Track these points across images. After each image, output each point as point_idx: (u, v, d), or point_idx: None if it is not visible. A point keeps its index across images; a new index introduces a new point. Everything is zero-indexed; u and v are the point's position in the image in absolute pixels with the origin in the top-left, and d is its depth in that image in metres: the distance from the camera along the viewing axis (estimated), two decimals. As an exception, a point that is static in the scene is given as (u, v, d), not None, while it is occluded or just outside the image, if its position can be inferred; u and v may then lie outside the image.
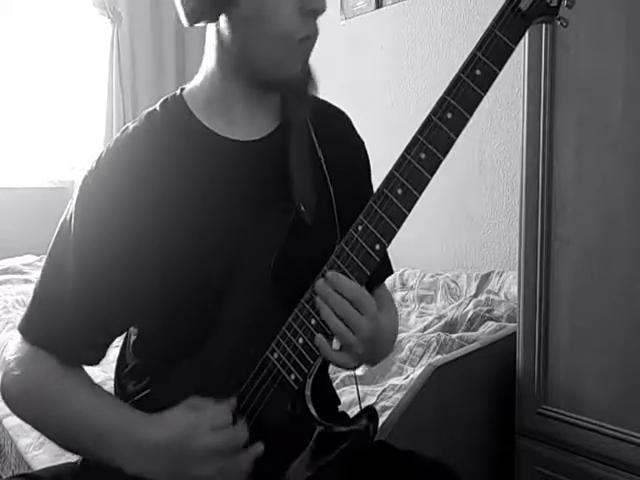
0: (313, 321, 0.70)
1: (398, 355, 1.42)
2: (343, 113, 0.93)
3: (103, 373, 1.30)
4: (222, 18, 0.73)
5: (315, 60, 0.78)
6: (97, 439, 0.69)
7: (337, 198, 0.82)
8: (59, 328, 0.74)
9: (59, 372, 0.74)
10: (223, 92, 0.79)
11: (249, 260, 0.74)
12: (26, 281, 2.45)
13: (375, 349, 0.77)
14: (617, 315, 1.13)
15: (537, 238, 1.22)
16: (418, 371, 1.27)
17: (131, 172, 0.75)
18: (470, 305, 1.70)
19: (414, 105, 2.44)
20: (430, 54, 2.37)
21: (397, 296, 2.03)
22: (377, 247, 0.69)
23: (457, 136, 0.69)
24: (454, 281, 2.05)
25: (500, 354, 1.36)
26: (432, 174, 0.69)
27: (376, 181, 0.80)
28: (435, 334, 1.48)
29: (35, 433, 1.27)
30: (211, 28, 0.76)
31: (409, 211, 0.69)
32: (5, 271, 2.63)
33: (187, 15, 0.73)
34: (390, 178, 0.70)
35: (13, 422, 1.34)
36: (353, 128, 0.93)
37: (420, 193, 0.69)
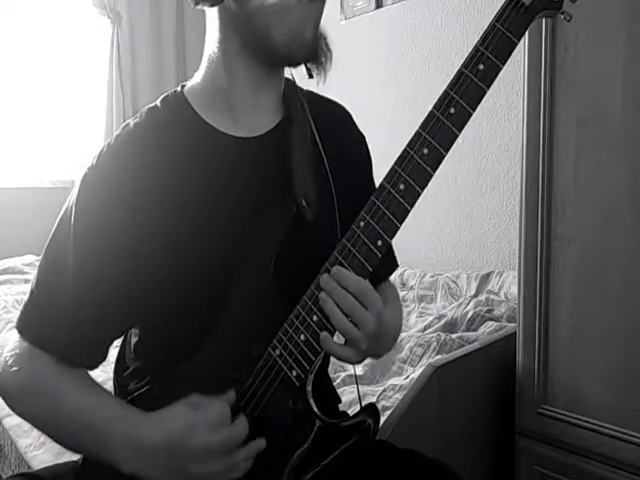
0: (315, 317, 0.70)
1: (398, 355, 1.42)
2: (344, 108, 0.92)
3: (103, 373, 1.30)
4: None
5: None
6: (96, 438, 0.69)
7: (338, 194, 0.82)
8: (57, 329, 0.73)
9: (57, 370, 0.73)
10: (226, 86, 0.78)
11: (250, 257, 0.74)
12: (26, 281, 2.45)
13: (379, 343, 0.77)
14: (617, 315, 1.13)
15: (537, 238, 1.22)
16: (418, 371, 1.27)
17: (132, 169, 0.74)
18: (470, 305, 1.70)
19: (414, 105, 2.44)
20: (430, 54, 2.37)
21: (397, 296, 2.02)
22: (379, 243, 0.69)
23: (460, 131, 0.68)
24: (454, 281, 2.05)
25: (500, 354, 1.36)
26: (435, 170, 0.68)
27: (377, 180, 0.80)
28: (435, 334, 1.48)
29: (35, 433, 1.27)
30: (213, 13, 0.75)
31: (411, 207, 0.69)
32: (5, 271, 2.63)
33: None
34: (392, 173, 0.69)
35: (13, 422, 1.34)
36: (354, 123, 0.93)
37: (422, 189, 0.69)
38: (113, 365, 0.86)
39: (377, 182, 0.75)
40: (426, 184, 0.69)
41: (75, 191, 0.76)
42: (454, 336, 1.47)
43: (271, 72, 0.79)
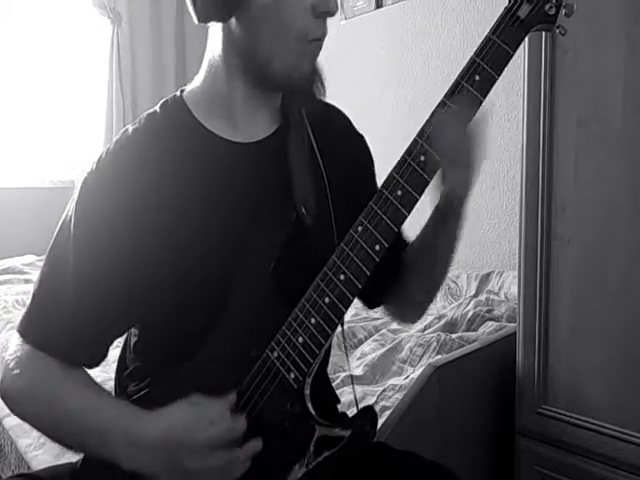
0: (313, 320, 0.70)
1: (398, 355, 1.43)
2: (342, 112, 0.93)
3: (103, 373, 1.30)
4: (233, 18, 0.72)
5: (315, 60, 0.79)
6: (96, 437, 0.69)
7: (339, 198, 0.82)
8: (58, 331, 0.74)
9: (58, 371, 0.74)
10: (226, 93, 0.78)
11: (250, 259, 0.74)
12: (26, 281, 2.46)
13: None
14: (617, 315, 1.13)
15: (537, 238, 1.22)
16: (418, 371, 1.27)
17: (131, 173, 0.75)
18: (470, 305, 1.70)
19: (414, 105, 2.44)
20: (430, 54, 2.37)
21: (397, 296, 2.02)
22: (377, 248, 0.69)
23: None
24: (454, 281, 2.05)
25: (500, 354, 1.36)
26: (432, 177, 0.70)
27: (379, 180, 0.80)
28: (435, 334, 1.48)
29: (35, 433, 1.27)
30: (217, 29, 0.76)
31: (409, 212, 0.70)
32: (5, 271, 2.63)
33: (197, 12, 0.73)
34: (390, 180, 0.70)
35: (13, 422, 1.34)
36: (351, 124, 0.93)
37: (420, 195, 0.70)
38: (114, 365, 0.87)
39: (379, 182, 0.76)
40: (423, 190, 0.70)
41: (75, 196, 0.77)
42: (454, 336, 1.47)
43: (274, 91, 0.80)
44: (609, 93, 1.11)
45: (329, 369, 0.92)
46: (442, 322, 1.62)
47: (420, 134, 0.70)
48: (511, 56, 0.69)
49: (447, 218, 0.81)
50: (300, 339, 0.70)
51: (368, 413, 0.75)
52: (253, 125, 0.80)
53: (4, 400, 0.76)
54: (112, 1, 3.26)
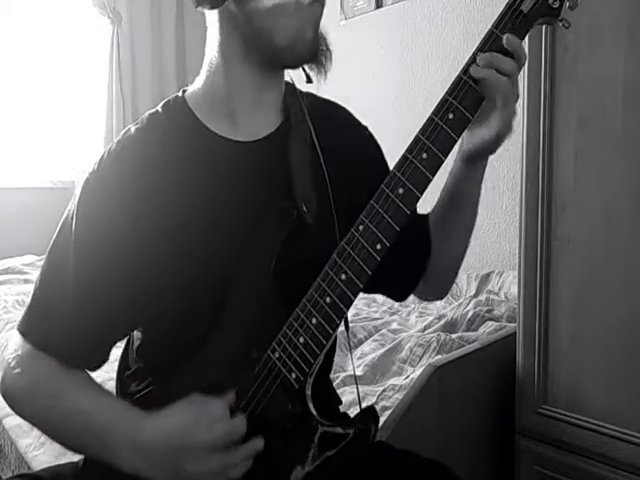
0: (314, 320, 0.70)
1: (398, 355, 1.42)
2: (344, 109, 0.92)
3: (104, 373, 1.29)
4: (228, 1, 0.71)
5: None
6: (96, 439, 0.69)
7: (341, 196, 0.82)
8: (58, 335, 0.73)
9: (58, 372, 0.73)
10: (225, 90, 0.77)
11: (251, 259, 0.74)
12: (26, 281, 2.45)
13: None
14: (617, 315, 1.13)
15: (537, 238, 1.22)
16: (418, 371, 1.27)
17: (133, 174, 0.74)
18: (470, 305, 1.70)
19: (414, 105, 2.43)
20: (430, 54, 2.37)
21: (397, 296, 2.02)
22: (378, 247, 0.69)
23: (459, 137, 0.69)
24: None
25: (500, 354, 1.36)
26: (434, 174, 0.69)
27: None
28: (435, 334, 1.48)
29: (35, 433, 1.27)
30: (214, 19, 0.75)
31: (410, 211, 0.69)
32: (5, 271, 2.63)
33: None
34: (391, 178, 0.70)
35: (13, 422, 1.34)
36: (354, 118, 0.92)
37: (421, 193, 0.69)
38: (115, 365, 0.87)
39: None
40: (425, 188, 0.69)
41: (76, 196, 0.76)
42: (454, 336, 1.47)
43: (272, 74, 0.79)
44: (609, 93, 1.11)
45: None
46: (442, 322, 1.62)
47: (422, 131, 0.69)
48: None
49: (470, 176, 0.82)
50: (301, 339, 0.70)
51: (369, 413, 0.74)
52: (254, 123, 0.80)
53: (5, 399, 0.76)
54: (112, 1, 3.25)
